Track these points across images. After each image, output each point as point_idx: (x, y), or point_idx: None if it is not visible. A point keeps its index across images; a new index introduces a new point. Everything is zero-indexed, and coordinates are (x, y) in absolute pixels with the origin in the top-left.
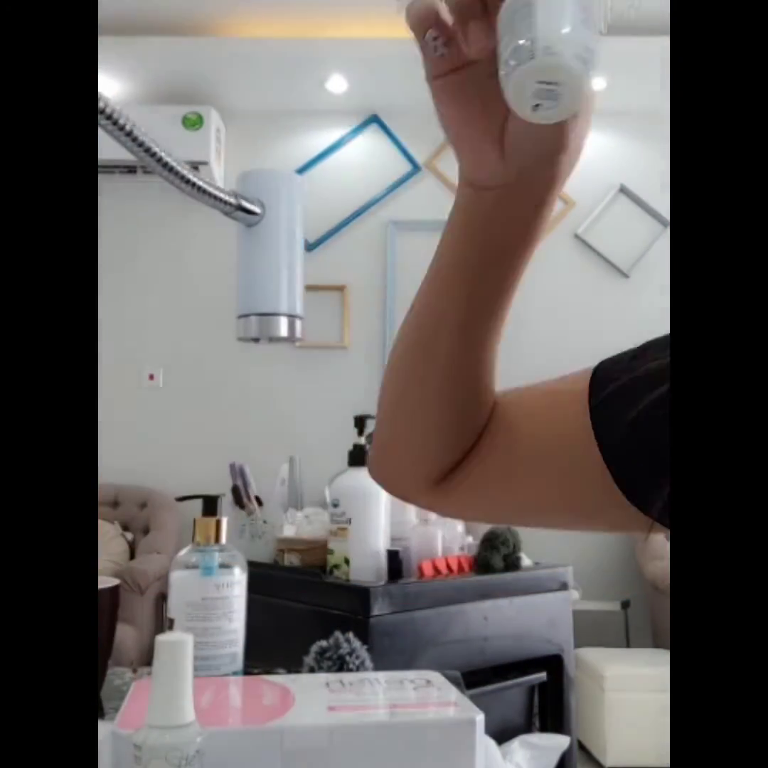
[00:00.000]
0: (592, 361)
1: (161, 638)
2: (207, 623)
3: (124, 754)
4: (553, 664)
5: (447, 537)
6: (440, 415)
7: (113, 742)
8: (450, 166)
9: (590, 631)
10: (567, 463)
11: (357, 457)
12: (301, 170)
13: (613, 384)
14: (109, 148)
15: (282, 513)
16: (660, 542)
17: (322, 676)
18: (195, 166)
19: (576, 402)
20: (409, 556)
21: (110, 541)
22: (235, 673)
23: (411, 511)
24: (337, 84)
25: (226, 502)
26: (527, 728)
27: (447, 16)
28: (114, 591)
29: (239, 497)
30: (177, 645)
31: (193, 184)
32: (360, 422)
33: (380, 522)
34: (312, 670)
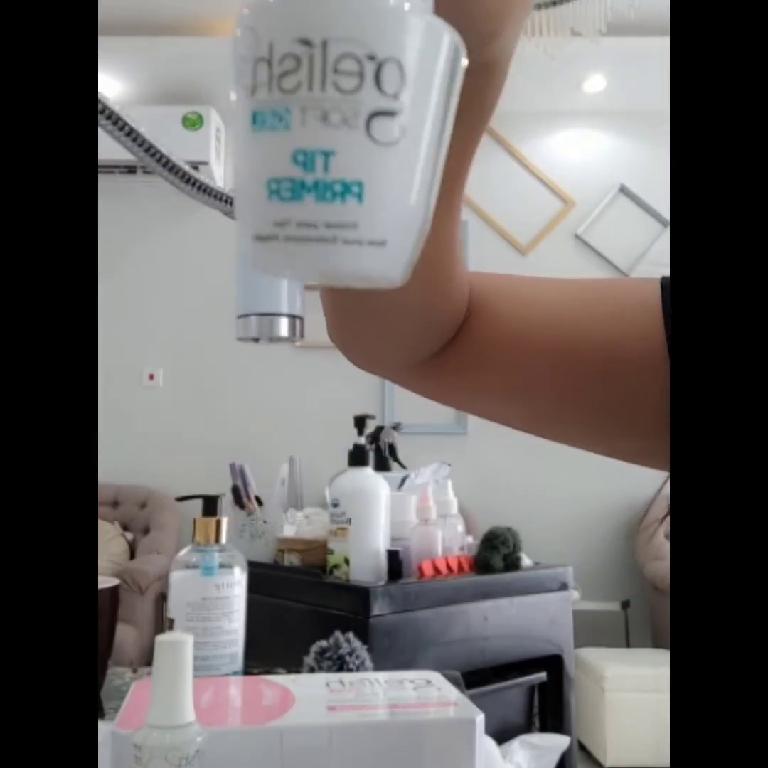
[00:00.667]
0: None
1: (161, 638)
2: (207, 623)
3: (124, 754)
4: (553, 664)
5: (447, 537)
6: (415, 311)
7: (113, 742)
8: None
9: (590, 631)
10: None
11: (357, 457)
12: None
13: None
14: (109, 148)
15: (282, 513)
16: (660, 542)
17: (322, 676)
18: (195, 166)
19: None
20: (409, 556)
21: (110, 541)
22: (235, 673)
23: (411, 511)
24: None
25: (226, 502)
26: (527, 728)
27: None
28: (114, 591)
29: (239, 497)
30: (177, 645)
31: (194, 184)
32: (360, 422)
33: (380, 522)
34: (312, 670)
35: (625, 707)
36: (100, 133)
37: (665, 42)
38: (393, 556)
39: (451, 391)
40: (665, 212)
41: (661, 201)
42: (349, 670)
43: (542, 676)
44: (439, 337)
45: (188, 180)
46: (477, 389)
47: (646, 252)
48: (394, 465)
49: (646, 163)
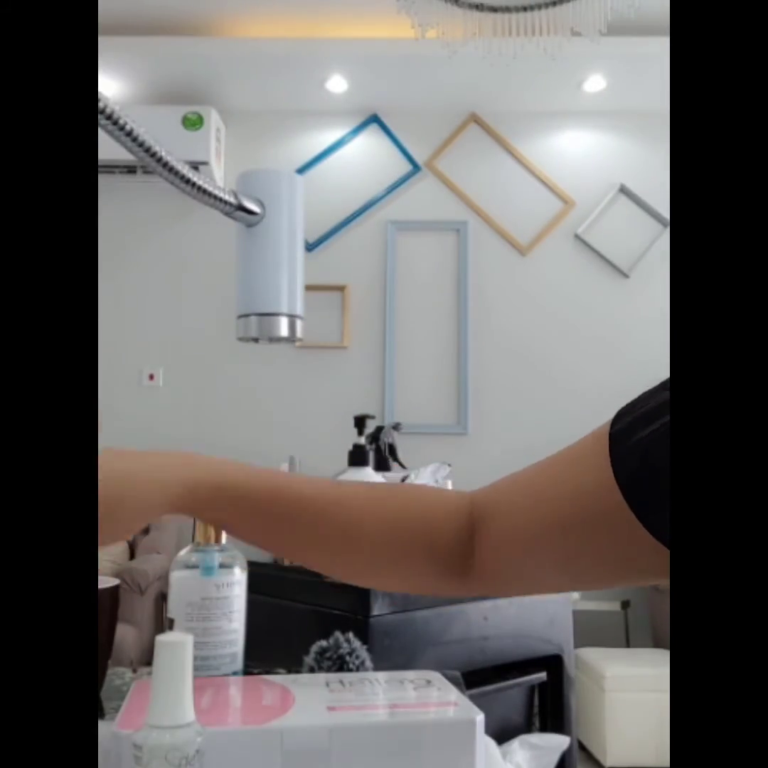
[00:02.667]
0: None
1: (161, 638)
2: (207, 623)
3: (124, 754)
4: (553, 664)
5: None
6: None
7: (113, 742)
8: (450, 166)
9: (590, 631)
10: (586, 514)
11: (357, 457)
12: (301, 170)
13: (630, 416)
14: (109, 148)
15: None
16: None
17: (322, 676)
18: (195, 166)
19: (597, 451)
20: None
21: None
22: (235, 673)
23: None
24: (337, 84)
25: None
26: (527, 728)
27: None
28: (114, 591)
29: None
30: (177, 645)
31: (193, 184)
32: (360, 422)
33: None
34: (312, 670)
35: (625, 707)
36: (100, 133)
37: (665, 42)
38: None
39: (489, 588)
40: (665, 212)
41: (661, 201)
42: (349, 670)
43: (542, 676)
44: (448, 561)
45: (188, 180)
46: (511, 580)
47: (646, 252)
48: (394, 465)
49: (646, 163)
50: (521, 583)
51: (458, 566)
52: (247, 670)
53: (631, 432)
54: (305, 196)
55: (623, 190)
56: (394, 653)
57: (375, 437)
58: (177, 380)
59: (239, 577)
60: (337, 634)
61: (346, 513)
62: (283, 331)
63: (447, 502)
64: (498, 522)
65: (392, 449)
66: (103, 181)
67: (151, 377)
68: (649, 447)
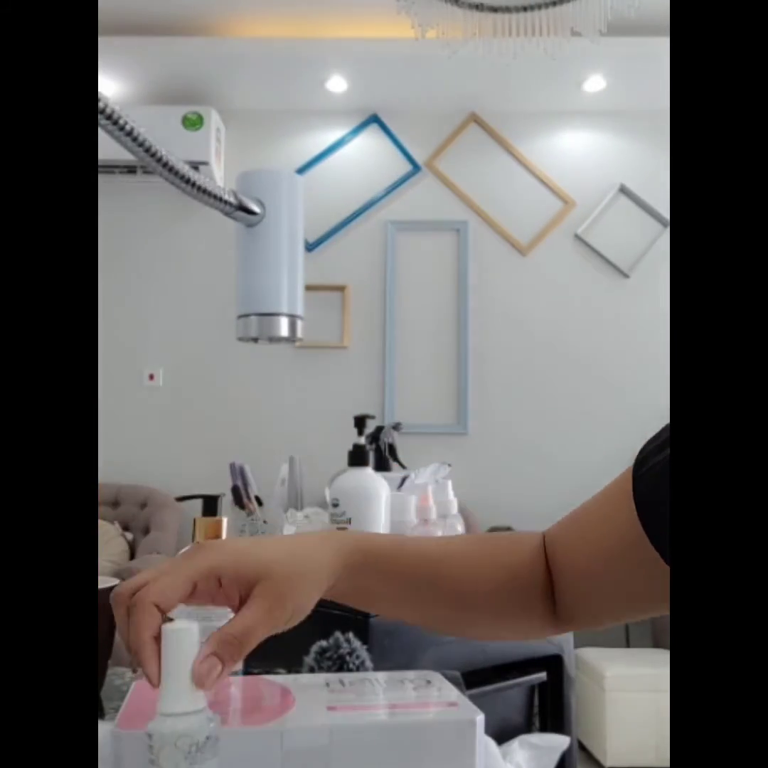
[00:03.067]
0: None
1: (167, 627)
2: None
3: (124, 754)
4: (553, 663)
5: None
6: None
7: (113, 742)
8: (450, 166)
9: (590, 630)
10: (629, 552)
11: (357, 457)
12: (301, 170)
13: (649, 458)
14: (109, 148)
15: (282, 513)
16: None
17: (322, 676)
18: (195, 166)
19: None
20: None
21: (110, 541)
22: (235, 673)
23: (411, 511)
24: (337, 84)
25: (226, 502)
26: (527, 728)
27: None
28: None
29: (239, 497)
30: (183, 633)
31: (194, 184)
32: (360, 422)
33: (380, 522)
34: (312, 670)
35: (625, 707)
36: (100, 133)
37: (665, 42)
38: None
39: (593, 619)
40: (665, 212)
41: (661, 201)
42: (349, 670)
43: (542, 675)
44: (530, 606)
45: (188, 180)
46: (597, 614)
47: (646, 252)
48: (394, 465)
49: (646, 163)
50: (594, 617)
51: (551, 608)
52: (247, 670)
53: (649, 470)
54: (305, 196)
55: (623, 190)
56: (394, 653)
57: (375, 437)
58: (177, 380)
59: None
60: (337, 634)
61: (462, 574)
62: (283, 331)
63: (534, 546)
64: (560, 563)
65: (392, 449)
66: (103, 181)
67: (151, 377)
68: (657, 479)
